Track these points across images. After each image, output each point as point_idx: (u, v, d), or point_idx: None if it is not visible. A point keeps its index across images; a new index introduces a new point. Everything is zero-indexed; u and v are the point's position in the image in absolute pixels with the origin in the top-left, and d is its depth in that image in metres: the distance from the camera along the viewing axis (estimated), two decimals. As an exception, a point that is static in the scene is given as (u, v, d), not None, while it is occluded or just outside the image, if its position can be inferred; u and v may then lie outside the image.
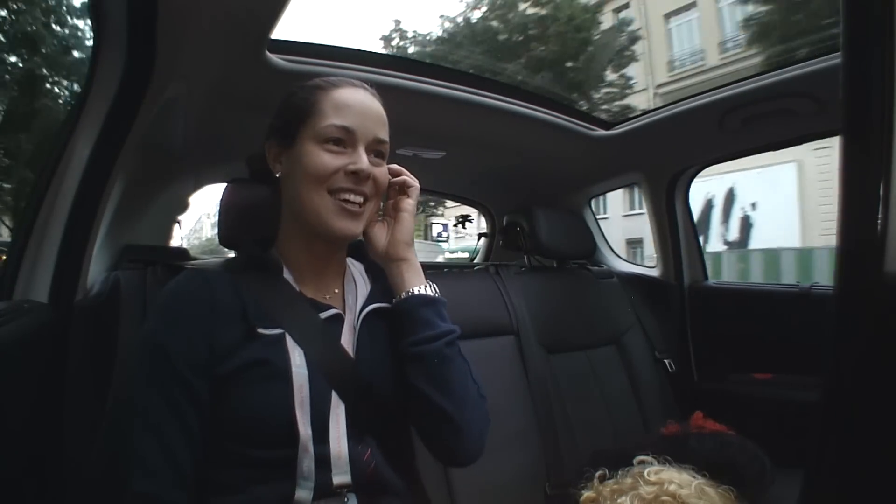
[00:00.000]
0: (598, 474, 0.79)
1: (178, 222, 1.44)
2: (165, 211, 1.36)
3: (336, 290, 0.73)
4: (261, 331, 0.63)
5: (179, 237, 1.44)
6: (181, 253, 1.08)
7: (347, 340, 0.69)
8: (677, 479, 0.72)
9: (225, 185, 0.84)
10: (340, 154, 0.66)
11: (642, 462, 0.79)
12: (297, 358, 0.63)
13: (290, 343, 0.64)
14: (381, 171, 0.69)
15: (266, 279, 0.68)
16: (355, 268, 0.79)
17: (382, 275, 0.77)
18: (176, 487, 0.58)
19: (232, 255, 0.93)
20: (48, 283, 0.80)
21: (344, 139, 0.66)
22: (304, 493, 0.60)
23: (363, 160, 0.66)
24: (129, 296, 0.83)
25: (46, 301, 0.80)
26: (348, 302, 0.72)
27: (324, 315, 0.68)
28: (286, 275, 0.70)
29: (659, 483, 0.71)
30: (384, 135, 0.69)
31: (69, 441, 0.77)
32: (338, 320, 0.69)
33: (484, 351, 1.18)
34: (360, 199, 0.67)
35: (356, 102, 0.68)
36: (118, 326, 0.81)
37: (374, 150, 0.69)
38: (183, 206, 1.44)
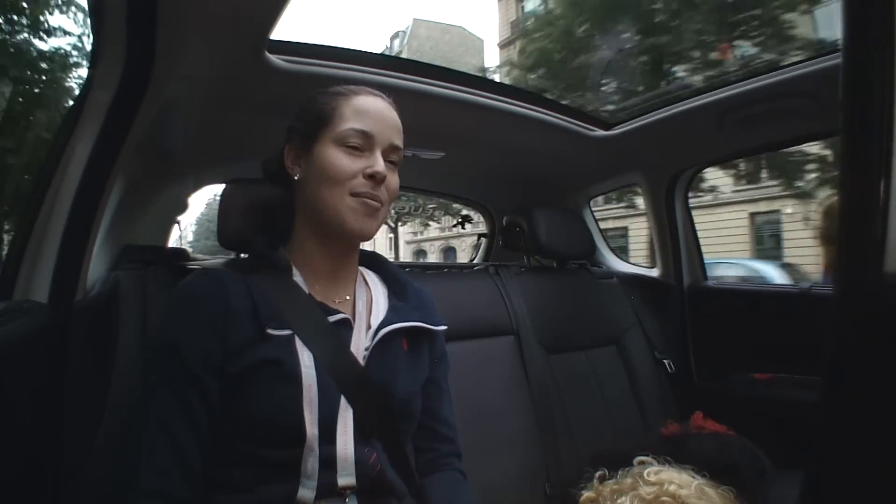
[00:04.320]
0: (597, 474, 0.79)
1: (178, 222, 1.44)
2: (165, 211, 1.35)
3: (347, 297, 0.74)
4: (270, 331, 0.63)
5: (179, 237, 1.44)
6: (181, 253, 1.08)
7: (356, 346, 0.69)
8: (677, 479, 0.72)
9: (224, 185, 0.84)
10: (359, 157, 0.68)
11: (642, 462, 0.79)
12: (306, 359, 0.63)
13: (299, 344, 0.64)
14: (394, 179, 0.71)
15: (276, 280, 0.68)
16: (369, 277, 0.79)
17: (405, 291, 0.78)
18: (184, 485, 0.59)
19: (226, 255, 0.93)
20: (48, 284, 0.80)
21: (362, 143, 0.68)
22: (306, 492, 0.61)
23: (380, 163, 0.67)
24: (129, 296, 0.83)
25: (46, 301, 0.79)
26: (358, 308, 0.73)
27: (332, 319, 0.68)
28: (296, 277, 0.70)
29: (659, 483, 0.71)
30: (399, 142, 0.71)
31: (69, 441, 0.77)
32: (346, 325, 0.70)
33: (484, 351, 1.18)
34: (376, 203, 0.68)
35: (375, 109, 0.70)
36: (118, 326, 0.81)
37: (389, 156, 0.70)
38: (183, 207, 1.44)
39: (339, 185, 0.66)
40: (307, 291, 0.69)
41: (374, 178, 0.67)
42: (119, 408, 0.76)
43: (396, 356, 0.71)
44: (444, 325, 0.80)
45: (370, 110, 0.69)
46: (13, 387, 0.69)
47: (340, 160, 0.67)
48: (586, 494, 0.77)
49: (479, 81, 1.21)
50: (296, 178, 0.72)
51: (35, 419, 0.74)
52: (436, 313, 0.80)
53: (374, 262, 0.83)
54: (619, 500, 0.72)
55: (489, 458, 1.04)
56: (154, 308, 0.83)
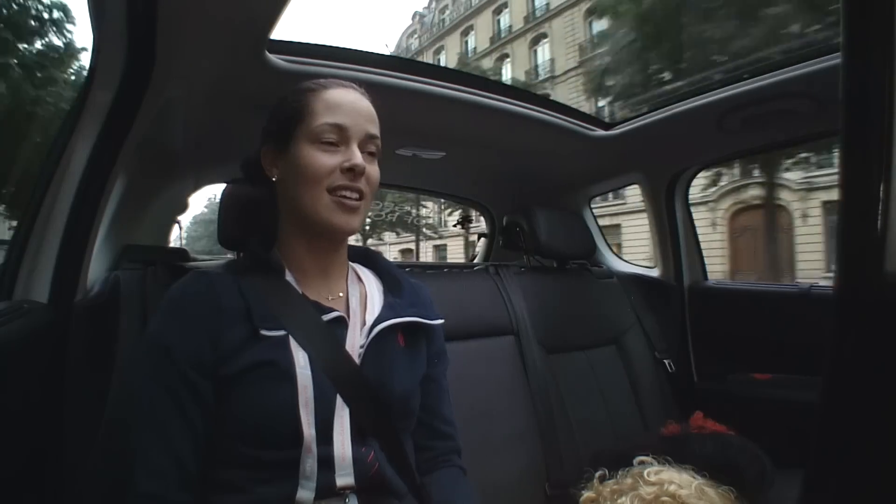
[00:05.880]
0: (598, 474, 0.79)
1: (178, 222, 1.44)
2: (165, 211, 1.36)
3: (340, 294, 0.73)
4: (264, 332, 0.63)
5: (181, 236, 1.44)
6: (181, 253, 1.08)
7: (351, 344, 0.68)
8: (677, 479, 0.72)
9: (224, 185, 0.84)
10: (335, 152, 0.67)
11: (642, 462, 0.79)
12: (301, 359, 0.63)
13: (294, 345, 0.64)
14: (374, 170, 0.70)
15: (269, 280, 0.68)
16: (362, 273, 0.79)
17: (399, 286, 0.78)
18: (180, 488, 0.59)
19: (229, 256, 0.93)
20: (48, 284, 0.80)
21: (337, 137, 0.67)
22: (305, 493, 0.61)
23: (357, 156, 0.67)
24: (129, 296, 0.83)
25: (46, 301, 0.79)
26: (352, 305, 0.72)
27: (326, 317, 0.68)
28: (288, 277, 0.70)
29: (659, 483, 0.71)
30: (375, 131, 0.70)
31: (69, 441, 0.77)
32: (341, 323, 0.69)
33: (484, 351, 1.18)
34: (356, 196, 0.67)
35: (347, 101, 0.69)
36: (118, 326, 0.81)
37: (367, 147, 0.69)
38: (183, 206, 1.44)
39: (317, 183, 0.66)
40: (300, 291, 0.69)
41: (353, 171, 0.66)
42: (119, 408, 0.76)
43: (392, 353, 0.71)
44: (441, 319, 0.79)
45: (342, 103, 0.68)
46: (13, 387, 0.69)
47: (317, 158, 0.66)
48: (586, 494, 0.77)
49: (480, 81, 1.21)
50: (274, 179, 0.71)
51: (35, 419, 0.74)
52: (432, 308, 0.79)
53: (367, 257, 0.82)
54: (619, 500, 0.72)
55: (489, 458, 1.04)
56: (154, 308, 0.83)
